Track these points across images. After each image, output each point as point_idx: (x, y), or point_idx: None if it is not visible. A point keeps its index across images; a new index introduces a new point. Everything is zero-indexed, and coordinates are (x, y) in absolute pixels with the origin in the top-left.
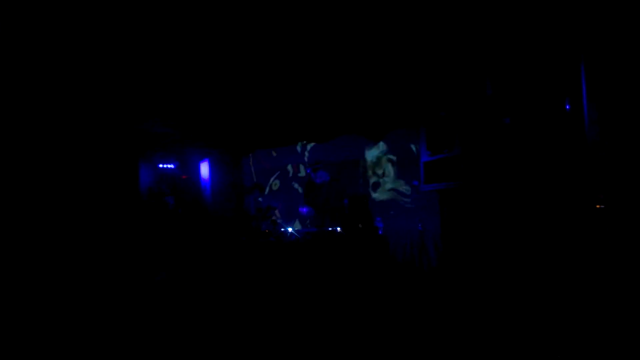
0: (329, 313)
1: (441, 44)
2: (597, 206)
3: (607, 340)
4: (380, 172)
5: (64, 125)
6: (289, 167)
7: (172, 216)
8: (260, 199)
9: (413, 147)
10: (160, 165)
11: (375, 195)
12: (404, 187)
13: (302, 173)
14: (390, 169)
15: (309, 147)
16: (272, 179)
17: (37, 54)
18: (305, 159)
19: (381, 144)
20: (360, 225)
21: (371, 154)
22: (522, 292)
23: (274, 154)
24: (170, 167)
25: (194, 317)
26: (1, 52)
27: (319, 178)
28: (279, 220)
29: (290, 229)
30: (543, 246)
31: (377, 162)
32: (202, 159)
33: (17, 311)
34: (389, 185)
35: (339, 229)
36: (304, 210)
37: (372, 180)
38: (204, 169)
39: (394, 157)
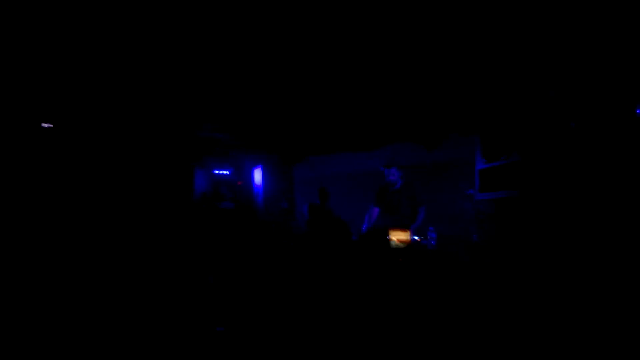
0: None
1: (501, 42)
2: None
3: None
4: None
5: (121, 130)
6: None
7: (227, 220)
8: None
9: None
10: (216, 172)
11: None
12: None
13: None
14: None
15: None
16: None
17: (101, 64)
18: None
19: None
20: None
21: None
22: (589, 314)
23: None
24: (226, 173)
25: (243, 317)
26: (70, 62)
27: (392, 175)
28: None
29: None
30: (612, 263)
31: None
32: (255, 165)
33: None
34: None
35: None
36: (374, 211)
37: None
38: (257, 175)
39: None
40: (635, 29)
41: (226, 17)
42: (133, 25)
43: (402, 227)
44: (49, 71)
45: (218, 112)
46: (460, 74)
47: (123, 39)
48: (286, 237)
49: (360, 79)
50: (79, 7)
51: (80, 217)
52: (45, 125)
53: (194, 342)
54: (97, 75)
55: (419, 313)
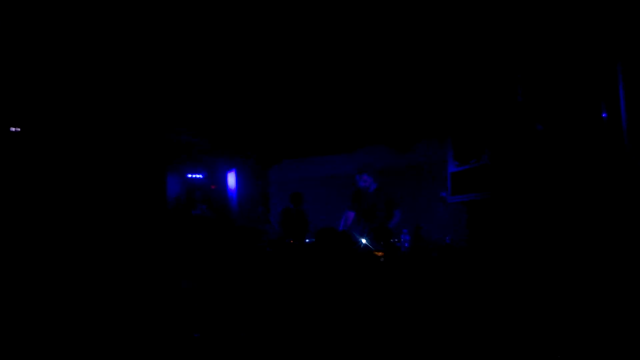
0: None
1: (469, 49)
2: None
3: None
4: None
5: (90, 133)
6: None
7: (200, 225)
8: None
9: None
10: (189, 175)
11: None
12: None
13: None
14: None
15: None
16: None
17: (70, 65)
18: None
19: None
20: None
21: None
22: (562, 316)
23: None
24: (199, 177)
25: (217, 321)
26: (37, 62)
27: (363, 182)
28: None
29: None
30: (580, 262)
31: None
32: (229, 169)
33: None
34: None
35: (364, 240)
36: (349, 215)
37: None
38: (231, 179)
39: None
40: (600, 35)
41: (198, 19)
42: (102, 25)
43: (378, 230)
44: (14, 71)
45: (191, 114)
46: (430, 78)
47: (92, 39)
48: (261, 241)
49: (333, 83)
50: (41, 6)
51: (46, 223)
52: (12, 129)
53: (168, 349)
54: (66, 76)
55: (393, 314)
